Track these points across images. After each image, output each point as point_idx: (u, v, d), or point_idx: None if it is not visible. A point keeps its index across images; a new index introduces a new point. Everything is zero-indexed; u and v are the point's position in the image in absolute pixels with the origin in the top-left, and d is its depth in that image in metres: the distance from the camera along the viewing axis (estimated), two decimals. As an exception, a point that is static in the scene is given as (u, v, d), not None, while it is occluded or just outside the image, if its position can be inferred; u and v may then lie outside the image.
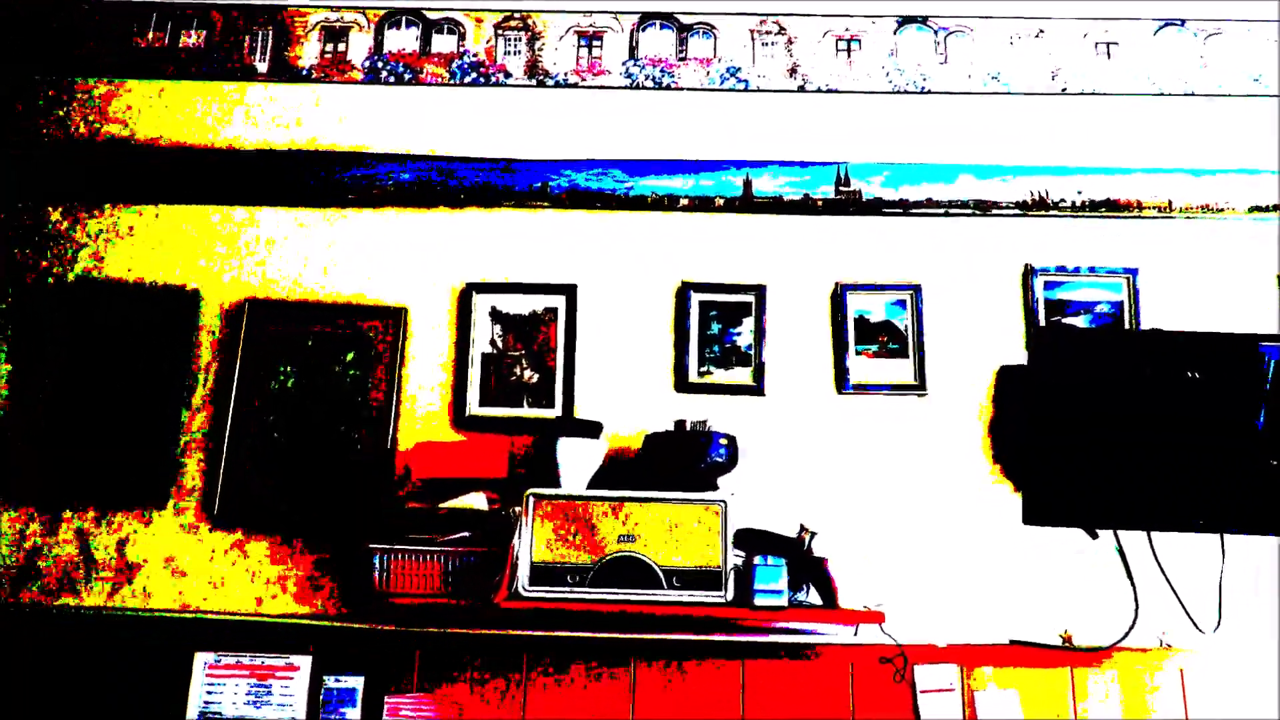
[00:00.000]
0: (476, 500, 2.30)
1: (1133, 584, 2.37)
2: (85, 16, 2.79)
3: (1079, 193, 2.66)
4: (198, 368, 2.58)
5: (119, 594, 2.44)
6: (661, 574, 2.17)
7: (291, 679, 2.34)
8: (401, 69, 2.77)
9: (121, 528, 2.48)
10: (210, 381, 2.58)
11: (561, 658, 2.34)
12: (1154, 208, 2.66)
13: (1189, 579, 2.37)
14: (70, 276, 2.65)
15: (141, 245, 2.69)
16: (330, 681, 2.34)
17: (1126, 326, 2.60)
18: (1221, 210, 2.66)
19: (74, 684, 2.33)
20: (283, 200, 2.68)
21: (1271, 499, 2.27)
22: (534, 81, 2.76)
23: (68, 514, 2.48)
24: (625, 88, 2.77)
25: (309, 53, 2.78)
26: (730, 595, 2.16)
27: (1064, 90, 2.79)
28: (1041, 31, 2.82)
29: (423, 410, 2.56)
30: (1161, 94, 2.79)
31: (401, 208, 2.69)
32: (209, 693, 2.33)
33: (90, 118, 2.77)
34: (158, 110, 2.78)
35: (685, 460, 2.32)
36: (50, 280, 2.63)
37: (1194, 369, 2.33)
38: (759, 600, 2.19)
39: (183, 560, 2.46)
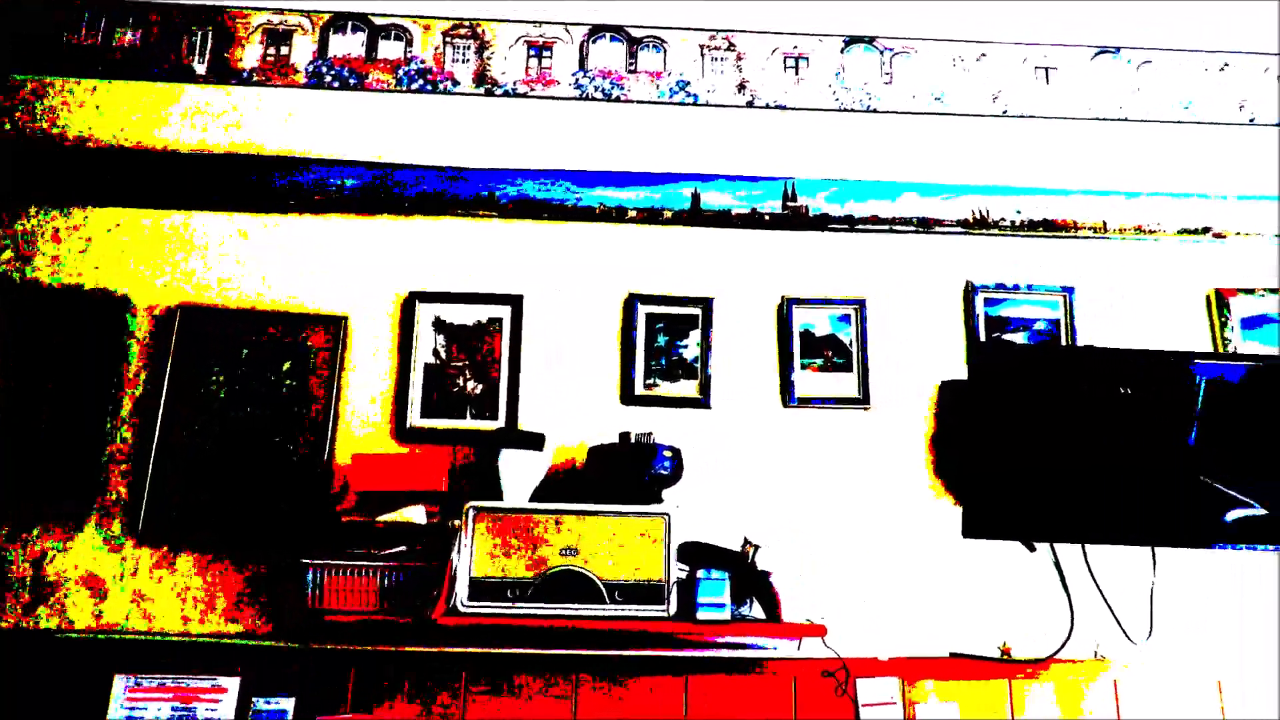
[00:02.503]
0: (415, 514, 2.24)
1: (1069, 596, 2.41)
2: (10, 11, 2.69)
3: (1018, 212, 2.72)
4: (127, 376, 2.49)
5: (34, 613, 2.33)
6: (604, 588, 2.14)
7: (218, 701, 2.25)
8: (347, 74, 2.73)
9: (39, 544, 2.37)
10: (139, 390, 2.48)
11: (502, 675, 2.30)
12: (1090, 228, 2.74)
13: (1123, 592, 2.43)
14: (-8, 279, 2.54)
15: (69, 248, 2.59)
16: (260, 704, 2.26)
17: (1063, 343, 2.66)
18: (1154, 231, 2.74)
19: (-16, 708, 2.21)
20: (220, 205, 2.60)
21: (1200, 513, 2.33)
22: (482, 90, 2.74)
23: (-18, 529, 2.37)
24: (575, 99, 2.76)
25: (250, 55, 2.72)
26: (673, 609, 2.14)
27: (1005, 112, 2.85)
28: (984, 55, 2.89)
29: (362, 421, 2.50)
30: (1097, 118, 2.87)
31: (345, 214, 2.63)
32: (128, 716, 2.22)
33: (17, 115, 2.66)
34: (89, 110, 2.69)
35: (630, 473, 2.30)
36: (-32, 283, 2.52)
37: (1127, 385, 2.39)
38: (702, 614, 2.18)
39: (105, 577, 2.36)
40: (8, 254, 2.56)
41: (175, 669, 2.26)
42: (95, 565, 2.37)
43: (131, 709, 2.23)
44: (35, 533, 2.38)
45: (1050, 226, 2.73)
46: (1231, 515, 2.34)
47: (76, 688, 2.24)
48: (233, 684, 2.26)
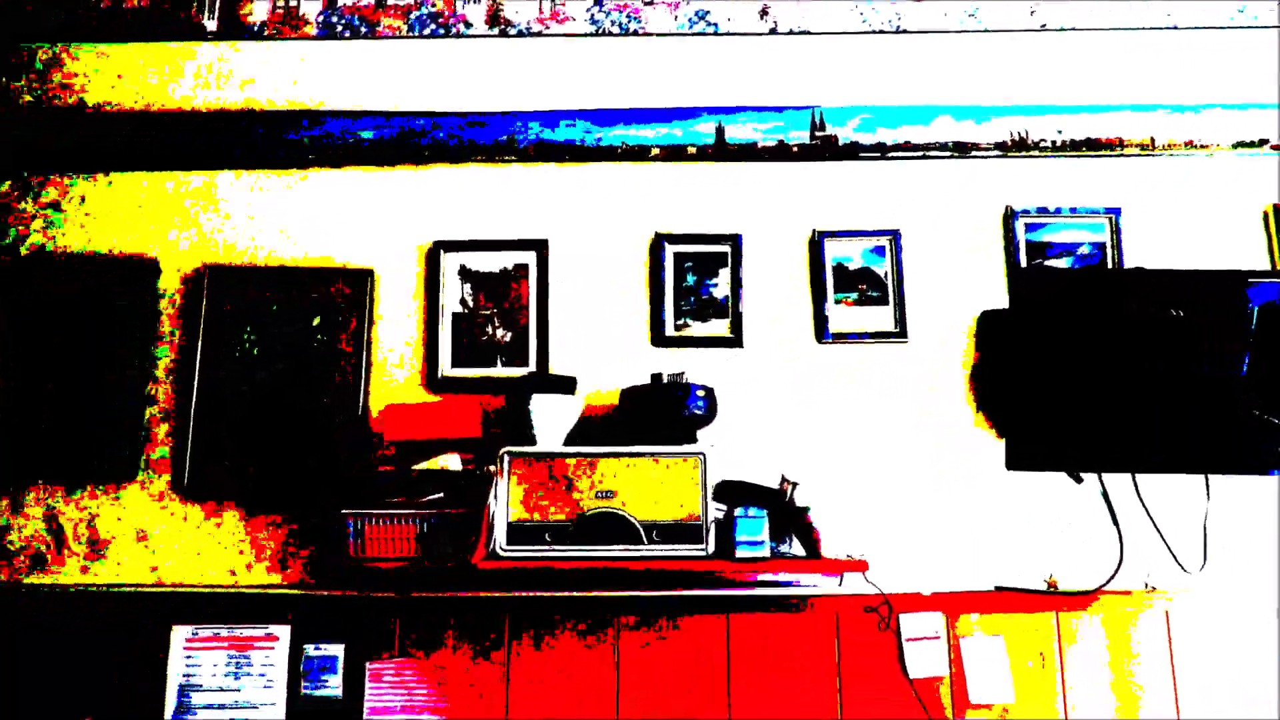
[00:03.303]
0: (450, 461, 2.25)
1: (1117, 527, 2.35)
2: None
3: (1059, 132, 2.60)
4: (160, 338, 2.52)
5: (91, 570, 2.40)
6: (641, 528, 2.13)
7: (272, 649, 2.32)
8: (357, 22, 2.68)
9: (90, 503, 2.43)
10: (173, 352, 2.51)
11: (543, 619, 2.32)
12: (1137, 145, 2.60)
13: (1174, 522, 2.35)
14: (23, 250, 2.57)
15: (95, 215, 2.61)
16: (311, 650, 2.31)
17: (1109, 266, 2.56)
18: (1206, 146, 2.60)
19: (50, 663, 2.29)
20: (239, 163, 2.59)
21: (1256, 444, 2.24)
22: (496, 31, 2.67)
23: (34, 492, 2.43)
24: (591, 34, 2.68)
25: (260, 9, 2.68)
26: (712, 548, 2.13)
27: (1043, 26, 2.71)
28: (1019, -35, 2.74)
29: (393, 373, 2.51)
30: (1143, 28, 2.71)
31: (363, 166, 2.61)
32: (189, 665, 2.30)
33: (35, 85, 2.67)
34: (105, 75, 2.68)
35: (663, 414, 2.27)
36: (1, 254, 2.56)
37: (1179, 308, 2.29)
38: (741, 552, 2.16)
39: (154, 534, 2.42)
40: (37, 223, 2.59)
41: (229, 619, 2.33)
42: (144, 522, 2.43)
43: (190, 657, 2.30)
44: (86, 492, 2.44)
45: (1094, 145, 2.60)
46: None
47: (138, 639, 2.32)
48: (284, 632, 2.32)
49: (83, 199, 2.61)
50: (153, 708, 2.27)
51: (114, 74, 2.68)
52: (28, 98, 2.66)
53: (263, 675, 2.30)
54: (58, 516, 2.42)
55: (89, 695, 2.28)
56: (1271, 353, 2.27)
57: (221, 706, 2.28)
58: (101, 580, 2.39)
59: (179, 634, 2.32)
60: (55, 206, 2.61)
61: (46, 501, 2.43)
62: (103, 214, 2.61)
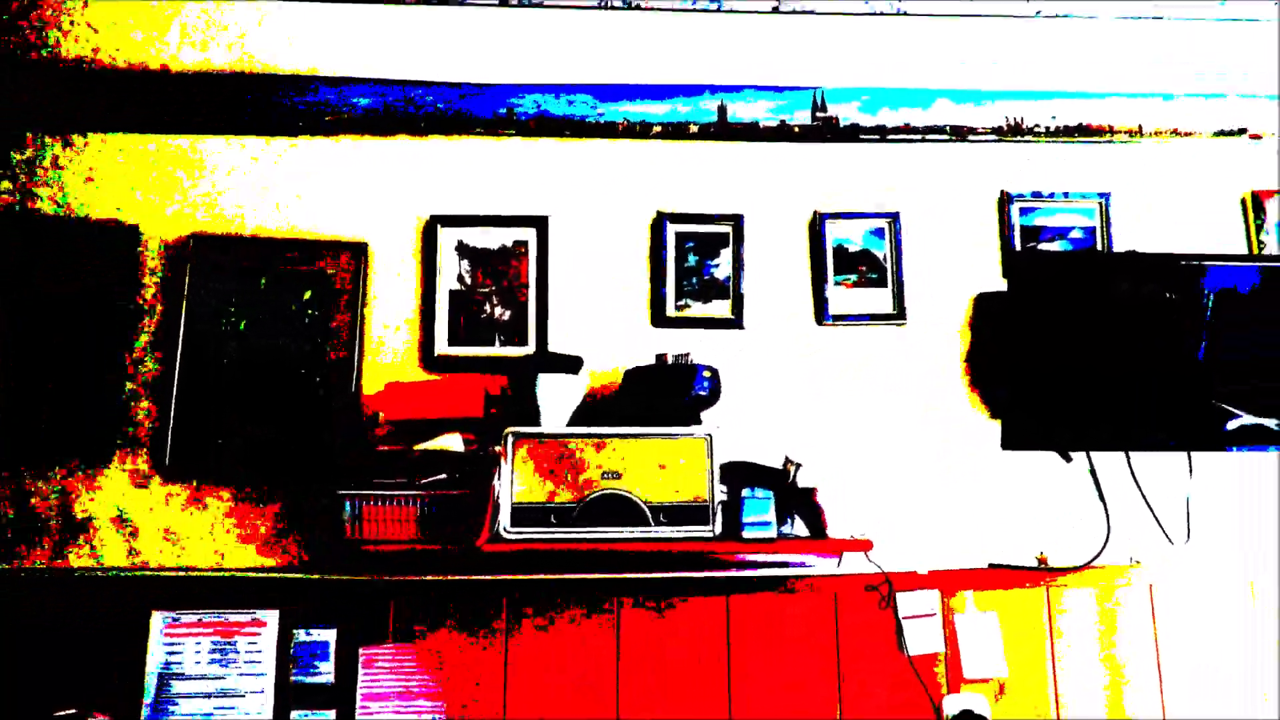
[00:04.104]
0: (452, 441, 2.20)
1: (1104, 505, 2.42)
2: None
3: (1053, 118, 2.64)
4: (141, 309, 2.40)
5: (64, 553, 2.28)
6: (648, 510, 2.11)
7: (259, 635, 2.24)
8: (353, -16, 2.57)
9: (63, 483, 2.31)
10: (156, 324, 2.40)
11: (544, 601, 2.28)
12: (1125, 132, 2.66)
13: (1160, 499, 2.44)
14: (-8, 212, 2.42)
15: (71, 176, 2.46)
16: (301, 635, 2.24)
17: (1099, 250, 2.61)
18: (1189, 133, 2.67)
19: (22, 650, 2.17)
20: (227, 128, 2.47)
21: (1210, 422, 2.32)
22: (498, 0, 2.59)
23: (3, 472, 2.30)
24: (595, 7, 2.62)
25: (249, -34, 2.56)
26: (719, 529, 2.12)
27: (1039, 13, 2.74)
28: (1017, -49, 2.76)
29: (388, 351, 2.43)
30: (1133, 17, 2.77)
31: (359, 135, 2.51)
32: (169, 653, 2.20)
33: (8, 36, 2.49)
34: (83, 28, 2.52)
35: (668, 394, 2.25)
36: (-33, 216, 2.40)
37: (1169, 291, 2.36)
38: (748, 533, 2.17)
39: (134, 516, 2.31)
40: (6, 184, 2.44)
41: (213, 604, 2.24)
42: (123, 502, 2.32)
43: (171, 644, 2.21)
44: (59, 473, 2.31)
45: (1085, 131, 2.65)
46: (1233, 424, 2.33)
47: (114, 626, 2.21)
48: (272, 617, 2.24)
49: (56, 160, 2.46)
50: (131, 697, 2.17)
51: (94, 28, 2.52)
52: (-2, 51, 2.49)
53: (250, 662, 2.22)
54: (29, 498, 2.29)
55: (65, 685, 2.17)
56: (1226, 337, 2.36)
57: (205, 695, 2.20)
58: (78, 564, 2.27)
59: (158, 620, 2.22)
60: (28, 167, 2.45)
61: (13, 483, 2.29)
62: (79, 176, 2.46)
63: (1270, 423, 2.37)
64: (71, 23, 2.51)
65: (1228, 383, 2.37)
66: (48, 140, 2.47)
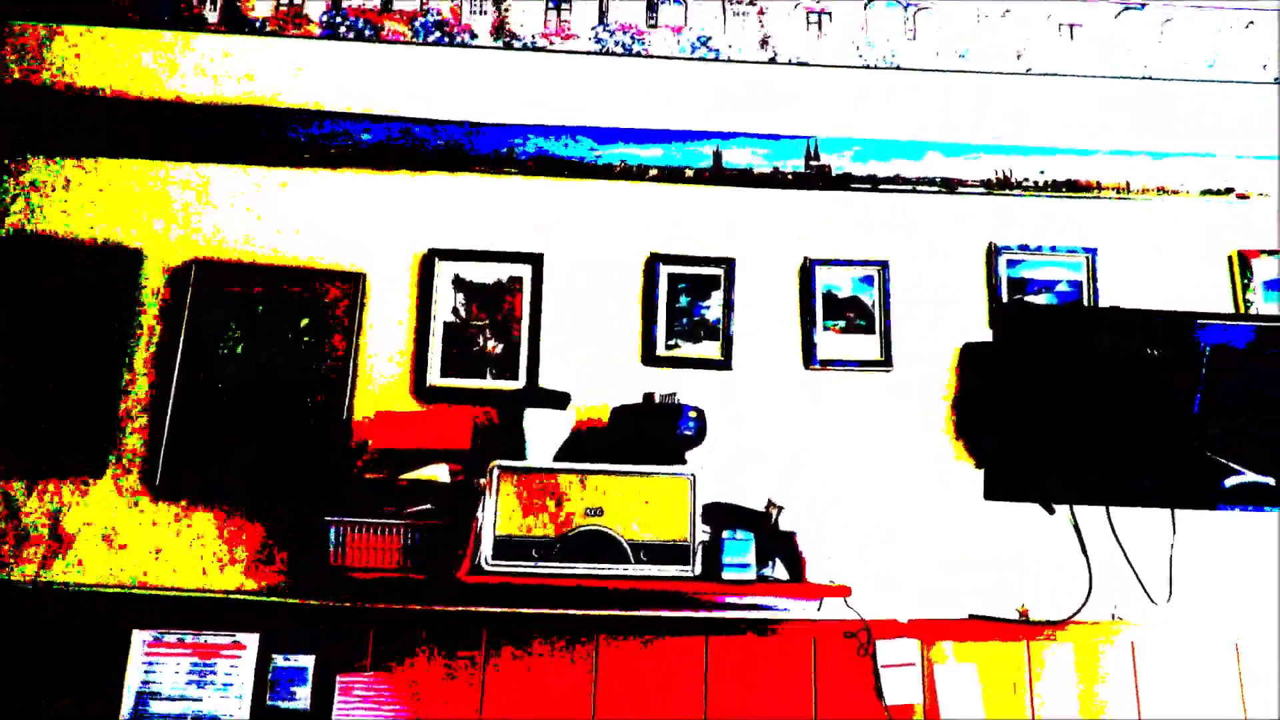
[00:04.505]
0: (438, 472, 2.22)
1: (1087, 559, 2.41)
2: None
3: (1042, 172, 2.69)
4: (141, 330, 2.45)
5: (51, 566, 2.30)
6: (629, 548, 2.13)
7: (238, 658, 2.24)
8: (361, 25, 2.66)
9: (56, 497, 2.34)
10: (154, 345, 2.45)
11: (524, 634, 2.29)
12: (1113, 188, 2.71)
13: (1143, 554, 2.42)
14: (1, 231, 2.48)
15: (79, 199, 2.53)
16: (279, 660, 2.24)
17: (1085, 305, 2.64)
18: (1176, 191, 2.72)
19: (2, 662, 2.19)
20: (233, 158, 2.55)
21: (1208, 479, 2.32)
22: (500, 43, 2.68)
23: (-5, 484, 2.34)
24: (595, 53, 2.70)
25: (263, 4, 2.65)
26: (698, 569, 2.13)
27: (1028, 70, 2.81)
28: (1008, 11, 2.84)
29: (381, 379, 2.47)
30: (1121, 77, 2.83)
31: (361, 169, 2.58)
32: (147, 672, 2.21)
33: (26, 63, 2.59)
34: (99, 58, 2.62)
35: (654, 433, 2.28)
36: (-22, 235, 2.47)
37: (1152, 347, 2.38)
38: (728, 574, 2.17)
39: (122, 532, 2.33)
40: (18, 204, 2.51)
41: (195, 625, 2.25)
42: (112, 519, 2.34)
43: (150, 664, 2.22)
44: (50, 486, 2.35)
45: (1073, 187, 2.70)
46: (1231, 481, 2.33)
47: (95, 642, 2.22)
48: (252, 641, 2.25)
49: (67, 182, 2.53)
50: (108, 715, 2.18)
51: (109, 58, 2.62)
52: (16, 75, 2.57)
53: (227, 685, 2.23)
54: (18, 510, 2.32)
55: (42, 699, 2.17)
56: (1222, 392, 2.38)
57: (181, 716, 2.20)
58: (63, 578, 2.30)
59: (140, 638, 2.24)
60: (38, 188, 2.53)
61: (5, 493, 2.33)
62: (87, 199, 2.54)
63: (1271, 480, 2.37)
64: (90, 52, 2.61)
65: (1224, 440, 2.37)
66: (57, 163, 2.54)
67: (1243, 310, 2.67)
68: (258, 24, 2.63)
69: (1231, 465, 2.35)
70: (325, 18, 2.65)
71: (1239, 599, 2.48)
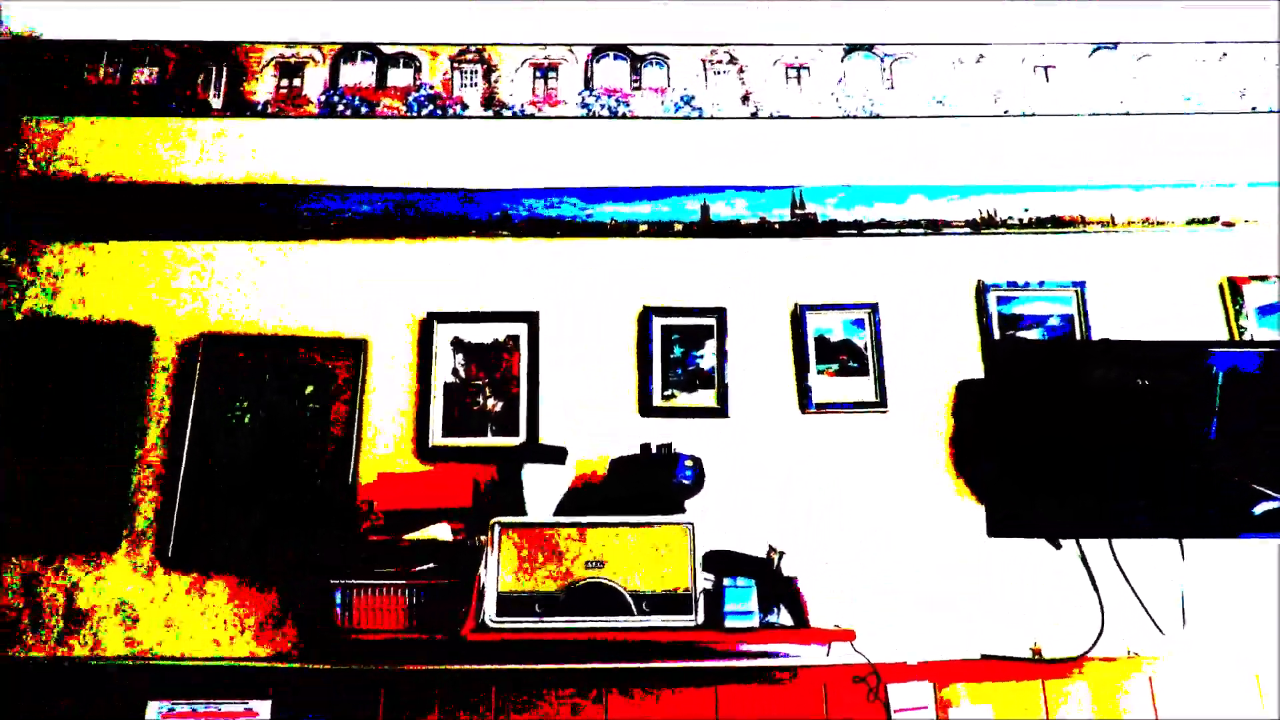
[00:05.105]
0: (441, 531, 2.26)
1: (1098, 593, 2.39)
2: (34, 55, 2.77)
3: (1026, 210, 2.74)
4: (151, 405, 2.53)
5: (68, 642, 2.35)
6: (631, 599, 2.14)
7: (251, 725, 2.26)
8: (358, 102, 2.78)
9: (71, 574, 2.40)
10: (165, 419, 2.52)
11: (531, 690, 2.29)
12: (1098, 222, 2.75)
13: (1153, 587, 2.40)
14: (18, 315, 2.59)
15: (93, 282, 2.64)
16: (292, 726, 2.26)
17: (1078, 338, 2.67)
18: (1162, 222, 2.75)
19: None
20: (238, 234, 2.65)
21: (1227, 506, 2.31)
22: (491, 113, 2.79)
23: (13, 560, 2.39)
24: (581, 117, 2.80)
25: (264, 88, 2.78)
26: (701, 618, 2.13)
27: (1006, 112, 2.88)
28: (982, 56, 2.92)
29: (385, 442, 2.52)
30: (1099, 114, 2.89)
31: (360, 239, 2.68)
32: (164, 743, 2.24)
33: (40, 156, 2.73)
34: (110, 147, 2.75)
35: (652, 483, 2.30)
36: (-3, 318, 2.58)
37: (1144, 377, 2.39)
38: (730, 622, 2.17)
39: (136, 605, 2.38)
40: (34, 290, 2.62)
41: (208, 693, 2.28)
42: (127, 593, 2.39)
43: (165, 735, 2.25)
44: (66, 562, 2.41)
45: (1058, 222, 2.74)
46: (1262, 507, 2.31)
47: (112, 716, 2.25)
48: (264, 707, 2.27)
49: (81, 267, 2.65)
50: (125, 787, 2.21)
51: (118, 147, 2.75)
52: (32, 168, 2.71)
53: (241, 754, 2.25)
54: (35, 587, 2.38)
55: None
56: (1239, 416, 2.37)
57: (195, 786, 2.22)
58: (79, 653, 2.34)
59: (155, 709, 2.27)
60: (53, 273, 2.64)
61: (24, 571, 2.39)
62: (101, 281, 2.64)
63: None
64: (100, 141, 2.74)
65: (1243, 465, 2.36)
66: (72, 249, 2.66)
67: (1237, 336, 2.67)
68: (259, 106, 2.76)
69: (1264, 490, 2.33)
70: (323, 97, 2.78)
71: (1255, 630, 2.44)
